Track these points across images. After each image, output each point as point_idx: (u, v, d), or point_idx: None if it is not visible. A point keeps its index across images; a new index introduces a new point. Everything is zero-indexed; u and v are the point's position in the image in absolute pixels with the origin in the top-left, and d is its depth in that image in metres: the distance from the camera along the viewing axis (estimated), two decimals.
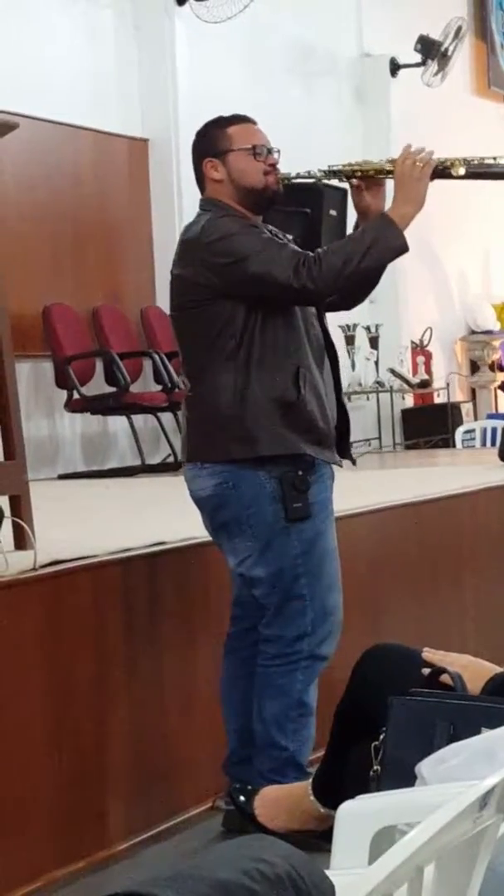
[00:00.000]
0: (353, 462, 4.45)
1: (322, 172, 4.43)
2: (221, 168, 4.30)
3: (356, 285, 4.29)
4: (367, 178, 4.34)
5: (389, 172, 4.30)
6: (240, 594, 4.37)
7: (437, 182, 4.27)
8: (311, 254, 4.15)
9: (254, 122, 4.40)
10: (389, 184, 4.30)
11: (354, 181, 4.35)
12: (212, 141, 4.35)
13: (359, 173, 4.35)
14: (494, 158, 4.31)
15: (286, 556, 4.20)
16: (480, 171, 4.33)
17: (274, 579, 4.21)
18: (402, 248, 4.22)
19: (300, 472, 4.18)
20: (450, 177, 4.29)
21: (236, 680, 4.38)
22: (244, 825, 4.05)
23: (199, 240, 4.22)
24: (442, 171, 4.26)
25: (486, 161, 4.30)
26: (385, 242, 4.18)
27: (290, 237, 4.39)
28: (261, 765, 4.26)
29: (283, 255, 4.15)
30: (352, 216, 4.49)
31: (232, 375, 4.17)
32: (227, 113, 4.43)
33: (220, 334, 4.18)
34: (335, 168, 4.40)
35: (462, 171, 4.27)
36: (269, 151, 4.32)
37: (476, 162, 4.29)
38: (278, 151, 4.34)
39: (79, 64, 9.50)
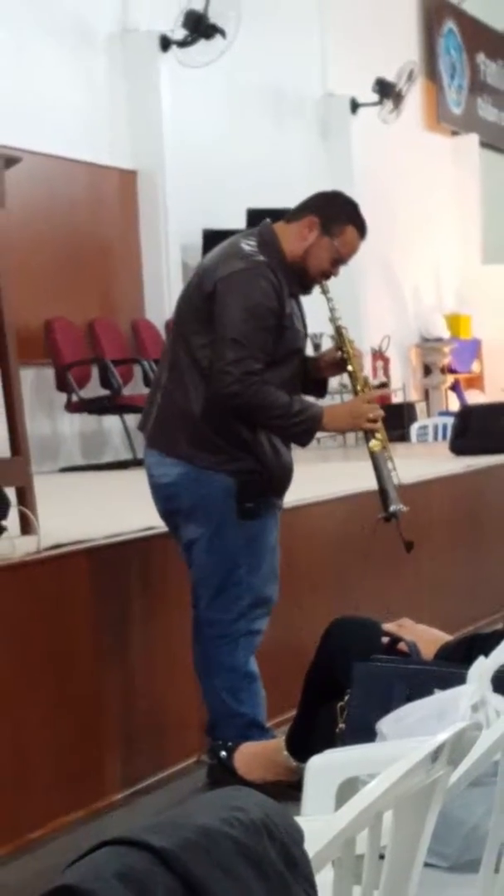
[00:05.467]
0: (279, 508, 4.31)
1: (338, 326, 4.26)
2: (313, 236, 4.13)
3: (245, 416, 4.06)
4: (343, 364, 4.27)
5: (354, 390, 4.26)
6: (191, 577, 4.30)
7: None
8: (259, 371, 3.97)
9: (364, 237, 4.23)
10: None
11: (339, 353, 4.26)
12: (333, 216, 4.16)
13: (343, 358, 4.25)
14: (395, 481, 4.27)
15: (229, 547, 4.13)
16: (376, 466, 4.26)
17: (215, 567, 4.15)
18: (303, 444, 4.18)
19: (256, 474, 4.11)
20: (367, 442, 4.26)
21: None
22: (225, 777, 4.05)
23: (230, 272, 4.03)
24: (365, 434, 4.25)
25: (386, 467, 4.24)
26: (301, 432, 4.10)
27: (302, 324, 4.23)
28: (224, 735, 4.21)
29: (248, 351, 3.96)
30: None
31: (205, 391, 4.05)
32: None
33: (202, 346, 4.06)
34: (343, 335, 4.24)
35: (373, 449, 4.23)
36: (343, 265, 4.21)
37: (380, 462, 4.23)
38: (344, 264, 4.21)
39: (74, 103, 9.46)
